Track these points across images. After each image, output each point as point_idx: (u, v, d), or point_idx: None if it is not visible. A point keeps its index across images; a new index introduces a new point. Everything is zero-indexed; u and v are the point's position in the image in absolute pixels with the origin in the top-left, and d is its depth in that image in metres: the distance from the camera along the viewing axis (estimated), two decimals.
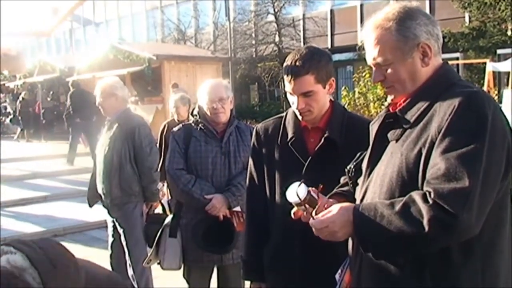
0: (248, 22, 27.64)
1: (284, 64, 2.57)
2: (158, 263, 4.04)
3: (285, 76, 2.56)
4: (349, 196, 2.13)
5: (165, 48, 22.63)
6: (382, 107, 12.53)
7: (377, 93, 15.62)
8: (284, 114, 2.78)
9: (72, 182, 11.84)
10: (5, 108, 25.53)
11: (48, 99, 24.53)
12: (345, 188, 2.21)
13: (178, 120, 6.65)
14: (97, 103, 4.93)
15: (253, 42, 27.32)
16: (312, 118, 2.60)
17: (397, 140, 1.89)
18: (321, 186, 2.00)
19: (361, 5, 24.98)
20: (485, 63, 15.28)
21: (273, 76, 25.53)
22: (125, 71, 17.79)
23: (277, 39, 25.91)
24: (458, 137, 1.68)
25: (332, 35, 26.19)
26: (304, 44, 25.35)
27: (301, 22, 26.53)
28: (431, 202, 1.65)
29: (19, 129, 22.30)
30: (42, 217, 9.14)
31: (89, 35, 41.81)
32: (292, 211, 2.02)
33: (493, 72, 14.79)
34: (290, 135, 2.65)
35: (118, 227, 4.80)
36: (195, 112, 4.01)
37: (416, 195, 1.70)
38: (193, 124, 3.96)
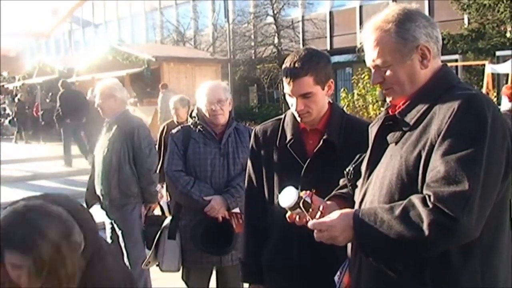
0: (247, 24, 27.63)
1: (283, 66, 2.58)
2: (157, 265, 4.04)
3: (284, 78, 2.56)
4: (348, 199, 2.13)
5: (164, 50, 22.65)
6: (381, 109, 12.53)
7: (376, 95, 15.62)
8: (282, 116, 2.78)
9: (70, 184, 11.82)
10: (4, 109, 25.52)
11: (47, 100, 24.52)
12: (344, 190, 2.21)
13: (177, 122, 6.65)
14: (96, 104, 4.93)
15: (252, 43, 27.30)
16: (311, 119, 2.60)
17: (396, 143, 1.89)
18: (313, 191, 2.00)
19: (360, 7, 24.99)
20: (484, 65, 15.29)
21: (272, 78, 25.52)
22: (124, 72, 17.81)
23: (276, 41, 25.89)
24: (458, 140, 1.68)
25: (331, 37, 26.19)
26: (303, 46, 25.35)
27: (300, 24, 26.52)
28: (431, 206, 1.64)
29: (16, 131, 22.35)
30: None
31: (88, 37, 41.80)
32: (287, 215, 2.03)
33: (492, 74, 14.80)
34: (288, 137, 2.65)
35: (117, 229, 4.80)
36: (193, 114, 4.02)
37: (415, 199, 1.70)
38: (191, 126, 3.96)
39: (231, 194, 3.80)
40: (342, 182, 2.27)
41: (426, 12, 21.47)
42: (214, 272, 4.06)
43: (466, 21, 19.83)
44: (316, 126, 2.65)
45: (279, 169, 2.68)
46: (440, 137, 1.71)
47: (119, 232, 4.77)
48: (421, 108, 1.85)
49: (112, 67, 17.86)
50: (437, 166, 1.69)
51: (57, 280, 1.73)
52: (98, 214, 5.18)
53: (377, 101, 15.77)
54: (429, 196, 1.66)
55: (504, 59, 16.29)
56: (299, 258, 2.58)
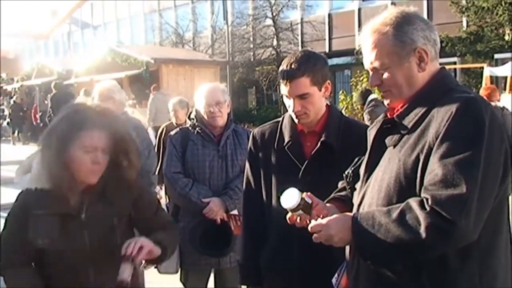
0: (246, 26, 27.63)
1: (280, 68, 2.59)
2: (155, 267, 4.03)
3: (281, 79, 2.58)
4: (347, 201, 2.14)
5: (163, 52, 22.66)
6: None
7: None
8: (280, 118, 2.79)
9: None
10: (3, 111, 25.52)
11: (46, 102, 24.55)
12: (343, 193, 2.21)
13: (176, 124, 6.65)
14: None
15: (251, 46, 27.30)
16: (309, 121, 2.61)
17: (394, 146, 1.90)
18: (308, 193, 2.02)
19: (359, 9, 25.01)
20: (482, 67, 15.28)
21: (271, 80, 25.51)
22: (123, 74, 17.82)
23: (275, 43, 25.89)
24: (456, 143, 1.68)
25: (330, 39, 26.20)
26: (302, 48, 25.37)
27: (299, 26, 26.53)
28: (428, 209, 1.65)
29: (11, 133, 22.41)
30: None
31: (87, 38, 41.79)
32: (287, 216, 2.03)
33: (491, 76, 14.80)
34: (286, 139, 2.66)
35: None
36: (192, 116, 4.02)
37: (413, 202, 1.70)
38: (190, 128, 3.97)
39: (229, 196, 3.80)
40: (340, 184, 2.27)
41: (425, 15, 21.52)
42: (212, 274, 4.05)
43: (464, 23, 19.86)
44: (314, 128, 2.65)
45: (277, 171, 2.68)
46: (438, 140, 1.71)
47: None
48: (419, 111, 1.85)
49: (111, 69, 17.86)
50: (434, 169, 1.69)
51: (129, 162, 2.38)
52: None
53: None
54: (427, 199, 1.67)
55: (503, 61, 16.32)
56: (299, 259, 2.58)
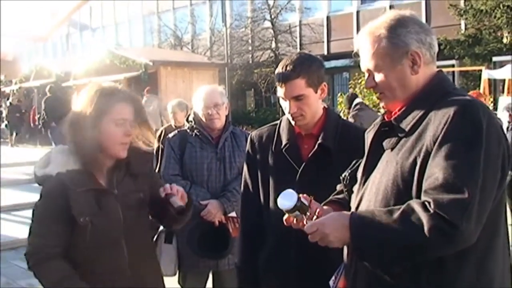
0: (244, 28, 27.68)
1: (276, 71, 2.60)
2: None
3: (276, 82, 2.59)
4: (345, 204, 2.14)
5: (161, 54, 22.67)
6: (378, 113, 12.56)
7: (373, 100, 15.64)
8: (278, 121, 2.80)
9: None
10: (1, 113, 25.51)
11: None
12: (341, 196, 2.22)
13: (175, 126, 6.65)
14: None
15: (250, 48, 27.35)
16: (305, 123, 2.62)
17: (392, 149, 1.90)
18: (312, 197, 2.01)
19: (357, 12, 25.06)
20: (480, 70, 15.33)
21: (270, 82, 25.54)
22: (122, 76, 17.82)
23: (273, 45, 25.94)
24: (455, 147, 1.68)
25: (328, 41, 26.25)
26: (300, 50, 25.41)
27: (298, 28, 26.58)
28: (431, 211, 1.65)
29: (9, 135, 22.40)
30: None
31: (86, 40, 41.79)
32: (284, 218, 2.03)
33: (489, 79, 14.84)
34: (284, 141, 2.67)
35: None
36: (190, 118, 4.02)
37: (415, 204, 1.70)
38: (188, 130, 3.97)
39: (227, 198, 3.80)
40: (339, 187, 2.27)
41: (423, 17, 21.57)
42: (210, 276, 4.05)
43: (463, 26, 19.91)
44: (311, 131, 2.66)
45: (275, 174, 2.69)
46: (437, 143, 1.72)
47: None
48: (416, 114, 1.86)
49: (110, 71, 17.86)
50: (435, 173, 1.69)
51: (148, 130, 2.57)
52: None
53: (374, 106, 15.80)
54: (429, 203, 1.67)
55: (501, 64, 16.37)
56: (296, 261, 2.59)
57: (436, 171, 1.69)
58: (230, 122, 4.07)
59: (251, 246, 2.82)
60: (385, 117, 2.03)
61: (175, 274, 3.95)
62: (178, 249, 3.89)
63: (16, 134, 22.21)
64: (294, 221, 2.00)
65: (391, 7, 23.04)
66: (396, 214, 1.72)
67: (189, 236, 3.81)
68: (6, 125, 22.97)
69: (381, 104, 2.04)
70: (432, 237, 1.64)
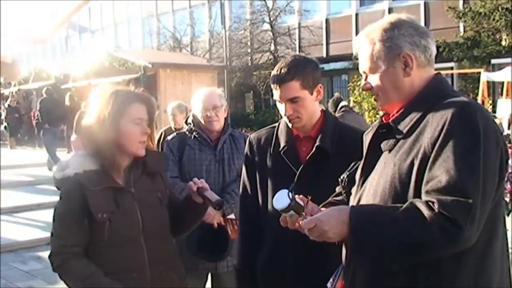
0: (243, 31, 27.70)
1: (271, 74, 2.61)
2: None
3: (272, 85, 2.61)
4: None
5: (160, 56, 22.65)
6: (377, 116, 12.59)
7: (372, 102, 15.68)
8: (277, 124, 2.81)
9: None
10: (0, 115, 25.50)
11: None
12: (339, 198, 2.23)
13: (175, 128, 6.64)
14: None
15: (249, 50, 27.37)
16: (302, 125, 2.63)
17: (390, 151, 1.91)
18: (309, 197, 2.02)
19: (356, 15, 25.08)
20: (479, 72, 15.35)
21: (269, 84, 25.29)
22: (121, 78, 17.77)
23: (272, 47, 25.95)
24: (455, 149, 1.69)
25: (327, 44, 26.26)
26: (299, 53, 25.41)
27: (297, 31, 26.59)
28: (436, 210, 1.65)
29: (8, 137, 22.41)
30: (36, 224, 9.10)
31: (85, 42, 41.78)
32: (280, 218, 2.04)
33: (488, 82, 14.86)
34: (282, 144, 2.68)
35: None
36: (189, 121, 4.03)
37: (418, 203, 1.70)
38: (187, 132, 3.97)
39: (226, 200, 3.80)
40: (337, 189, 2.28)
41: (422, 20, 21.57)
42: (209, 278, 4.05)
43: (461, 29, 19.94)
44: (310, 133, 2.67)
45: (273, 176, 2.70)
46: (436, 146, 1.73)
47: None
48: (414, 116, 1.87)
49: (109, 73, 17.84)
50: (437, 175, 1.70)
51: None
52: None
53: (373, 108, 15.82)
54: (433, 203, 1.67)
55: (500, 67, 16.38)
56: (294, 263, 2.59)
57: (438, 173, 1.70)
58: (229, 124, 4.08)
59: (250, 248, 2.82)
60: (383, 119, 2.04)
61: None
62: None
63: (11, 136, 22.22)
64: (289, 221, 2.01)
65: (390, 9, 23.08)
66: (398, 211, 1.72)
67: (188, 238, 3.80)
68: (5, 127, 22.96)
69: (378, 105, 2.05)
70: (436, 235, 1.64)
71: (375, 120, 2.28)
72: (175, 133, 4.13)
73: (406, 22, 1.96)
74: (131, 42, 37.48)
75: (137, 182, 2.57)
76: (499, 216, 1.85)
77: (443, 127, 1.73)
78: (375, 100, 2.06)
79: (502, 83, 14.77)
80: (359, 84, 16.32)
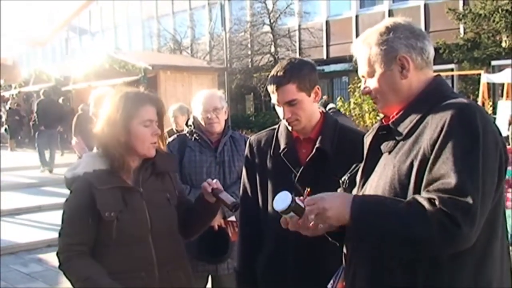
0: (244, 33, 27.73)
1: (268, 78, 2.63)
2: None
3: (269, 89, 2.62)
4: None
5: (161, 58, 22.68)
6: (377, 117, 12.59)
7: (372, 104, 15.68)
8: (277, 126, 2.82)
9: (66, 192, 11.79)
10: (0, 117, 25.51)
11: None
12: None
13: (176, 130, 6.65)
14: (91, 113, 4.92)
15: (249, 52, 27.39)
16: (301, 127, 2.63)
17: (390, 152, 1.91)
18: (308, 190, 2.01)
19: (357, 16, 25.10)
20: (479, 74, 15.35)
21: None
22: (121, 80, 17.79)
23: (273, 49, 25.98)
24: (454, 150, 1.69)
25: (327, 46, 26.28)
26: (299, 54, 25.43)
27: (297, 32, 26.62)
28: (437, 207, 1.65)
29: (9, 139, 22.44)
30: (37, 226, 9.10)
31: (85, 44, 41.82)
32: (281, 220, 2.04)
33: (488, 83, 14.86)
34: (282, 146, 2.69)
35: None
36: (189, 123, 4.03)
37: (420, 198, 1.70)
38: (187, 134, 3.97)
39: None
40: (339, 191, 2.28)
41: (422, 22, 21.60)
42: (209, 280, 4.04)
43: (461, 30, 19.95)
44: (309, 135, 2.68)
45: (273, 178, 2.70)
46: (436, 147, 1.73)
47: None
48: (414, 118, 1.88)
49: (109, 75, 17.86)
50: (437, 177, 1.70)
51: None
52: None
53: (373, 110, 15.83)
54: (434, 199, 1.67)
55: (500, 68, 16.39)
56: (294, 265, 2.59)
57: (437, 175, 1.70)
58: (230, 126, 4.08)
59: (250, 250, 2.82)
60: (383, 121, 2.05)
61: None
62: None
63: (12, 138, 22.24)
64: (290, 223, 2.01)
65: (390, 11, 23.10)
66: (401, 204, 1.72)
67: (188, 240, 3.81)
68: (5, 129, 22.98)
69: (378, 108, 2.07)
70: (435, 231, 1.64)
71: (375, 122, 2.28)
72: (175, 135, 4.13)
73: (402, 25, 1.97)
74: (131, 44, 37.52)
75: (146, 182, 2.60)
76: (499, 216, 1.85)
77: (442, 128, 1.73)
78: (374, 103, 2.07)
79: (502, 84, 14.76)
80: (360, 86, 16.30)
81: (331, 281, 2.15)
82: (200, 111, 3.88)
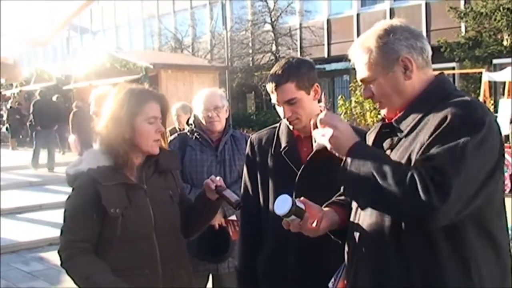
0: (245, 31, 27.70)
1: (267, 78, 2.63)
2: None
3: (268, 89, 2.62)
4: (346, 205, 2.16)
5: (162, 57, 22.67)
6: (379, 116, 12.59)
7: (373, 103, 15.67)
8: (278, 124, 2.82)
9: (67, 191, 11.79)
10: (1, 116, 25.52)
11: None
12: (343, 197, 2.24)
13: (179, 129, 6.64)
14: (91, 112, 4.92)
15: (250, 51, 27.37)
16: (302, 126, 2.63)
17: (391, 149, 1.93)
18: (301, 199, 2.04)
19: (358, 15, 25.07)
20: (481, 73, 15.33)
21: None
22: (122, 79, 17.76)
23: (274, 48, 25.96)
24: (449, 139, 1.70)
25: (328, 44, 26.25)
26: (301, 53, 25.43)
27: (298, 31, 26.59)
28: (416, 172, 1.68)
29: (10, 138, 22.47)
30: (38, 225, 9.11)
31: (86, 44, 41.83)
32: (282, 222, 2.05)
33: (489, 82, 14.84)
34: (283, 144, 2.69)
35: None
36: (190, 121, 4.03)
37: (406, 164, 1.77)
38: (188, 133, 3.97)
39: None
40: (343, 189, 2.29)
41: (423, 20, 21.58)
42: (210, 279, 4.04)
43: (463, 29, 19.92)
44: (310, 134, 2.67)
45: (274, 176, 2.70)
46: (433, 136, 1.75)
47: None
48: (416, 116, 1.88)
49: (110, 74, 17.86)
50: (426, 156, 1.72)
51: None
52: None
53: (374, 108, 15.81)
54: (416, 168, 1.71)
55: (501, 67, 16.36)
56: (295, 264, 2.59)
57: (427, 155, 1.72)
58: (230, 125, 4.08)
59: (251, 249, 2.82)
60: (386, 119, 2.05)
61: None
62: None
63: (13, 137, 22.27)
64: (291, 225, 2.02)
65: (391, 10, 23.08)
66: (391, 161, 1.79)
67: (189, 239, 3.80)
68: (7, 128, 23.00)
69: (382, 113, 2.05)
70: (406, 190, 1.67)
71: (376, 121, 2.28)
72: (176, 134, 4.13)
73: (400, 26, 1.98)
74: (132, 43, 37.53)
75: (149, 179, 2.61)
76: (494, 215, 1.85)
77: (441, 122, 1.75)
78: (379, 108, 2.07)
79: (504, 83, 14.73)
80: (361, 85, 16.33)
81: (332, 280, 2.16)
82: (201, 110, 3.88)
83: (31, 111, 15.50)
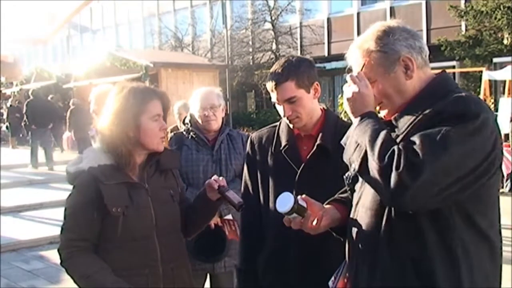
0: (245, 30, 27.68)
1: (267, 77, 2.63)
2: None
3: (268, 88, 2.62)
4: (347, 203, 2.16)
5: (162, 56, 22.66)
6: (378, 115, 12.58)
7: None
8: (278, 123, 2.82)
9: (68, 189, 11.79)
10: (2, 114, 25.52)
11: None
12: (344, 195, 2.24)
13: (181, 127, 6.65)
14: (91, 110, 4.92)
15: (250, 49, 27.34)
16: (303, 124, 2.63)
17: None
18: (303, 196, 2.04)
19: (358, 14, 25.05)
20: (481, 71, 15.31)
21: None
22: (122, 78, 17.78)
23: (274, 47, 25.93)
24: (436, 128, 1.71)
25: (329, 43, 26.23)
26: (301, 52, 25.41)
27: (298, 30, 26.56)
28: (396, 149, 1.71)
29: (10, 136, 22.49)
30: (39, 223, 9.12)
31: (86, 42, 41.81)
32: (284, 219, 2.05)
33: (489, 80, 14.82)
34: (283, 143, 2.69)
35: None
36: (186, 121, 4.03)
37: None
38: (184, 133, 3.97)
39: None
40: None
41: (424, 19, 21.56)
42: (207, 279, 4.03)
43: (463, 28, 19.90)
44: (311, 132, 2.68)
45: (274, 175, 2.70)
46: (423, 126, 1.77)
47: None
48: (415, 114, 1.88)
49: (110, 73, 17.86)
50: (412, 137, 1.75)
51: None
52: None
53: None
54: (398, 146, 1.73)
55: (501, 65, 16.34)
56: (296, 262, 2.60)
57: (413, 136, 1.74)
58: (226, 124, 4.07)
59: (251, 247, 2.82)
60: (385, 117, 2.05)
61: None
62: None
63: (15, 136, 22.28)
64: (293, 223, 2.03)
65: (391, 8, 23.06)
66: (387, 136, 1.80)
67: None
68: (7, 127, 23.00)
69: (382, 114, 2.06)
70: (386, 162, 1.70)
71: None
72: (172, 133, 4.13)
73: (398, 27, 1.99)
74: (132, 42, 37.51)
75: (150, 179, 2.60)
76: (486, 216, 1.85)
77: (433, 115, 1.77)
78: (380, 110, 2.07)
79: (504, 81, 14.72)
80: None
81: (332, 278, 2.16)
82: (197, 108, 3.88)
83: (24, 111, 15.60)
